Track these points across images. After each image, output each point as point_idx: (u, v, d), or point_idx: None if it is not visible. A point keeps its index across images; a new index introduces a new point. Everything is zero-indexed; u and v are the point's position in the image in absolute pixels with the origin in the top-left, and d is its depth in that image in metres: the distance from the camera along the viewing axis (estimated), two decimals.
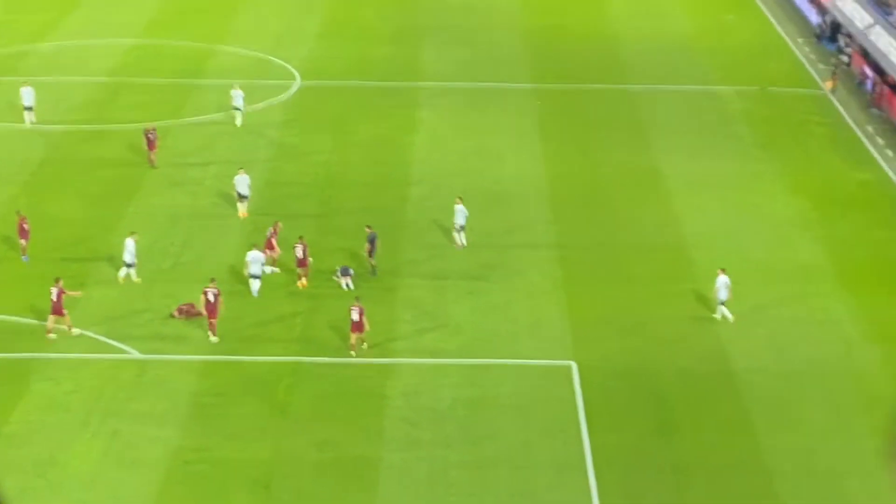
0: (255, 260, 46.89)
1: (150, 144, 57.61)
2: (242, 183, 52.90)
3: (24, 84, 62.83)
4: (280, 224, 49.37)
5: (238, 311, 45.41)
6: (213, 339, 43.61)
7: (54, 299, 43.23)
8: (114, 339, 43.70)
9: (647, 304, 46.73)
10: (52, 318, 43.40)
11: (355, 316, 43.01)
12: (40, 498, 35.35)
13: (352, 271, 47.61)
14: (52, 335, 43.33)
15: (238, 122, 62.18)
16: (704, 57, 74.68)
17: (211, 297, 43.70)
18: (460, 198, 51.11)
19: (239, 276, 47.52)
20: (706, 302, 46.40)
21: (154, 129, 58.32)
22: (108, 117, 63.74)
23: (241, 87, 62.79)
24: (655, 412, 40.38)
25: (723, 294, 45.68)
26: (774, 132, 63.91)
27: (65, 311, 43.47)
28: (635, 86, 69.72)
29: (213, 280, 44.87)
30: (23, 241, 48.92)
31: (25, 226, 49.00)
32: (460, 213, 50.66)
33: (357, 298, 44.11)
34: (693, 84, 70.42)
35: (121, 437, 38.29)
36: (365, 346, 43.32)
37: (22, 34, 75.80)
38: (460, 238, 50.68)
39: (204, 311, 44.06)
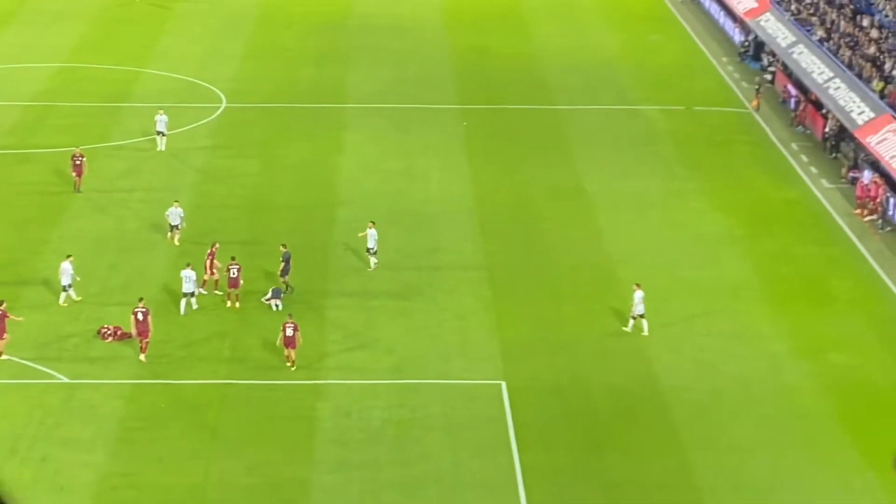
0: (189, 278, 46.83)
1: (77, 169, 57.15)
2: (175, 215, 52.38)
3: None
4: (217, 245, 49.22)
5: (166, 333, 45.19)
6: (143, 357, 43.42)
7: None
8: (41, 363, 43.35)
9: (575, 321, 47.01)
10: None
11: (289, 332, 43.03)
12: None
13: (282, 293, 47.60)
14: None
15: (161, 147, 61.81)
16: (629, 76, 75.37)
17: (140, 317, 43.59)
18: (372, 222, 51.08)
19: (167, 298, 47.32)
20: (636, 318, 46.73)
21: (81, 155, 57.74)
22: (34, 142, 63.32)
23: (165, 112, 62.50)
24: (586, 430, 40.58)
25: (639, 308, 46.11)
26: (699, 151, 64.58)
27: (6, 335, 43.15)
28: (560, 106, 70.21)
29: (141, 300, 44.70)
30: None
31: None
32: (371, 237, 50.56)
33: (290, 315, 44.12)
34: (617, 104, 71.05)
35: (49, 463, 37.97)
36: (293, 368, 43.28)
37: None
38: (372, 261, 50.62)
39: (133, 332, 43.87)
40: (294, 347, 43.24)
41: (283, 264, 48.48)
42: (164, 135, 61.87)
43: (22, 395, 41.57)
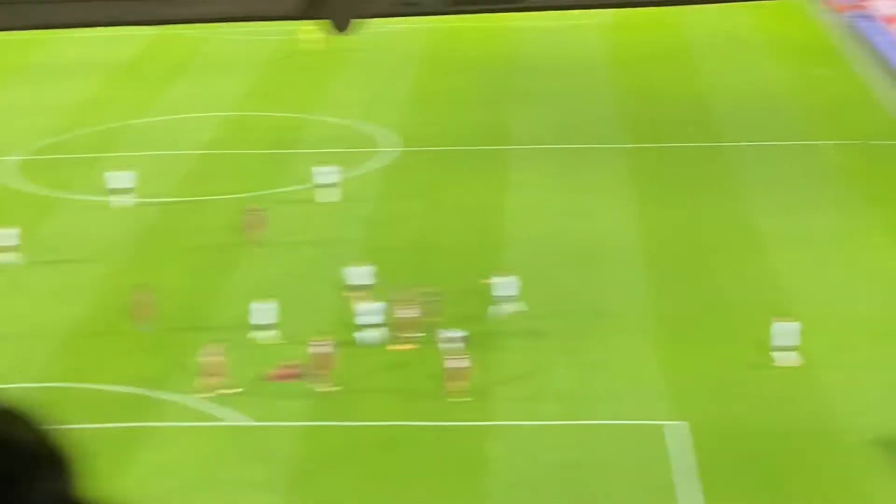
0: (365, 312, 47.52)
1: (255, 224, 57.16)
2: (358, 274, 51.58)
3: (116, 168, 62.59)
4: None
5: (337, 375, 45.55)
6: (326, 389, 44.07)
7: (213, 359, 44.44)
8: (219, 406, 44.00)
9: (750, 363, 46.23)
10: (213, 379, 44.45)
11: (457, 363, 43.23)
12: None
13: (463, 335, 47.28)
14: (213, 393, 44.33)
15: (326, 199, 61.90)
16: (799, 111, 74.25)
17: (323, 349, 44.33)
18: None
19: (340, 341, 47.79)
20: (812, 359, 45.81)
21: (258, 209, 57.83)
22: (205, 189, 64.54)
23: (328, 162, 62.50)
24: (764, 474, 39.85)
25: (784, 341, 45.55)
26: (877, 185, 63.17)
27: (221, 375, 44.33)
28: (728, 143, 69.42)
29: (322, 333, 45.24)
30: (142, 313, 49.28)
31: (147, 299, 49.33)
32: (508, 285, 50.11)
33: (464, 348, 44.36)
34: (787, 139, 70.00)
35: None
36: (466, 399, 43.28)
37: (119, 110, 77.05)
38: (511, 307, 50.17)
39: (310, 366, 44.60)
40: (462, 381, 43.57)
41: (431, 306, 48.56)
42: (328, 186, 62.06)
43: (201, 438, 42.22)
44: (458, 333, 47.43)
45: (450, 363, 43.82)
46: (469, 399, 43.38)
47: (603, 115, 74.33)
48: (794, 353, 45.35)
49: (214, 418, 43.29)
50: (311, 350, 44.64)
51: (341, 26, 10.51)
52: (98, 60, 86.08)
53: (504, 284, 49.63)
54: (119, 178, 61.58)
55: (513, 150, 69.21)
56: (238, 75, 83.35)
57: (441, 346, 46.51)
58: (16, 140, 71.63)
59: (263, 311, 48.07)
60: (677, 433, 41.78)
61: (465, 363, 43.48)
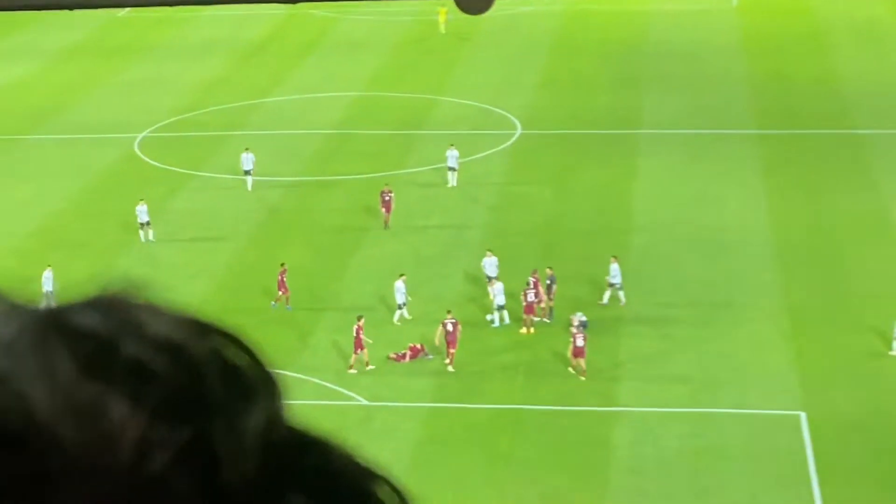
0: (500, 292, 47.99)
1: (387, 205, 57.12)
2: (490, 265, 50.73)
3: (245, 150, 62.92)
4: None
5: (461, 357, 45.61)
6: (451, 368, 44.46)
7: (355, 336, 44.99)
8: (341, 385, 44.29)
9: (880, 354, 45.42)
10: (354, 355, 45.05)
11: (580, 342, 43.53)
12: None
13: (586, 321, 47.04)
14: (353, 370, 44.94)
15: (452, 182, 61.83)
16: None
17: (450, 328, 44.81)
18: (614, 256, 50.17)
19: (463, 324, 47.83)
20: None
21: (390, 191, 57.63)
22: (333, 169, 64.92)
23: (455, 146, 62.57)
24: (889, 466, 39.14)
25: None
26: None
27: (361, 350, 45.03)
28: (863, 130, 68.16)
29: (449, 311, 45.59)
30: (280, 292, 49.81)
31: (284, 278, 49.83)
32: (615, 273, 49.62)
33: (580, 324, 44.60)
34: None
35: None
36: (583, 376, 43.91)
37: (248, 89, 77.80)
38: (606, 297, 49.63)
39: (437, 342, 45.31)
40: (582, 357, 43.98)
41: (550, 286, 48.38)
42: (455, 170, 62.20)
43: (323, 416, 42.49)
44: (582, 318, 47.21)
45: (573, 341, 44.12)
46: (584, 378, 43.59)
47: (734, 101, 73.38)
48: None
49: (339, 397, 43.55)
50: (441, 328, 45.00)
51: (478, 7, 10.40)
52: (227, 39, 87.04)
53: (613, 271, 49.29)
54: (249, 160, 61.91)
55: (642, 134, 68.65)
56: (368, 56, 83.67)
57: (569, 328, 46.30)
58: (147, 117, 72.60)
59: (401, 289, 48.47)
60: (804, 423, 41.19)
61: (582, 342, 43.83)
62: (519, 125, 70.30)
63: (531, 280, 48.29)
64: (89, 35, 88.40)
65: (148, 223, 56.19)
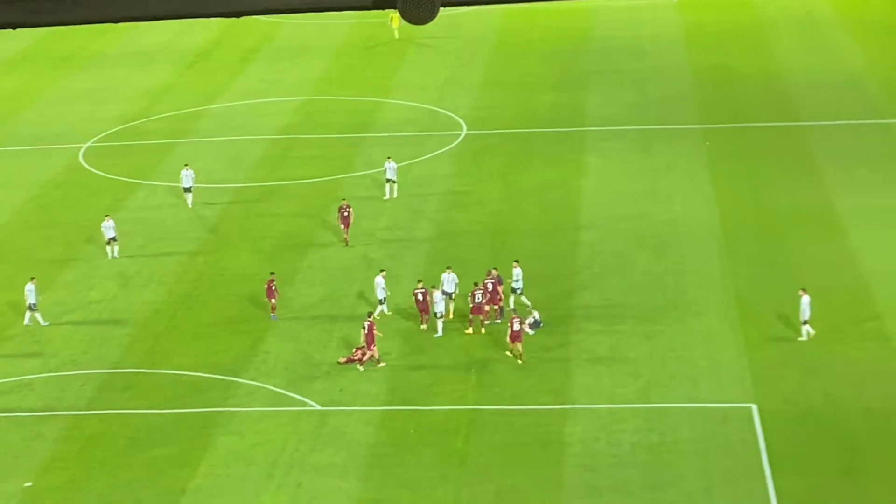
0: (450, 281, 48.66)
1: (345, 221, 55.86)
2: (448, 281, 49.26)
3: (185, 167, 61.51)
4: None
5: (413, 359, 45.66)
6: (424, 327, 47.09)
7: (366, 332, 45.19)
8: (294, 391, 44.23)
9: (828, 344, 45.78)
10: (366, 351, 45.14)
11: (516, 326, 44.54)
12: None
13: (539, 321, 47.39)
14: (361, 368, 45.20)
15: (390, 195, 60.47)
16: (878, 90, 73.25)
17: (420, 297, 47.06)
18: (517, 261, 50.19)
19: (410, 324, 47.81)
20: (892, 339, 45.30)
21: (348, 206, 56.25)
22: (280, 174, 64.76)
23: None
24: (841, 455, 39.47)
25: (805, 314, 45.75)
26: None
27: (373, 347, 45.18)
28: (805, 122, 68.65)
29: (420, 281, 47.75)
30: (272, 301, 49.22)
31: (273, 286, 49.23)
32: (517, 277, 49.58)
33: (514, 310, 45.00)
34: (866, 118, 69.10)
35: (304, 490, 38.65)
36: (520, 360, 44.69)
37: (195, 96, 77.53)
38: (523, 300, 49.42)
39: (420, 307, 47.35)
40: (518, 341, 45.08)
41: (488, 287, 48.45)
42: (394, 182, 60.78)
43: (276, 423, 42.46)
44: (536, 316, 47.40)
45: (510, 326, 45.06)
46: (521, 362, 44.12)
47: (679, 95, 73.72)
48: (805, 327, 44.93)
49: (293, 403, 43.47)
50: (414, 297, 47.27)
51: (424, 17, 10.47)
52: (171, 46, 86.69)
53: (517, 275, 49.10)
54: (189, 177, 60.59)
55: (588, 131, 68.82)
56: (312, 60, 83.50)
57: (515, 326, 46.29)
58: (91, 126, 72.20)
59: (379, 286, 48.87)
60: (755, 415, 41.46)
61: (518, 326, 44.54)
62: (464, 125, 70.34)
63: (487, 282, 48.19)
64: (33, 45, 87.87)
65: (114, 239, 55.48)
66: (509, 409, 42.65)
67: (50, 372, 46.16)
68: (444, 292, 48.51)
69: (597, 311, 49.05)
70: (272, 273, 50.36)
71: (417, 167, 64.21)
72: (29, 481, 39.56)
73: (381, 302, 48.92)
